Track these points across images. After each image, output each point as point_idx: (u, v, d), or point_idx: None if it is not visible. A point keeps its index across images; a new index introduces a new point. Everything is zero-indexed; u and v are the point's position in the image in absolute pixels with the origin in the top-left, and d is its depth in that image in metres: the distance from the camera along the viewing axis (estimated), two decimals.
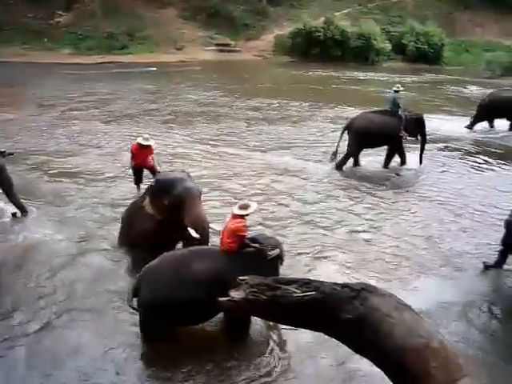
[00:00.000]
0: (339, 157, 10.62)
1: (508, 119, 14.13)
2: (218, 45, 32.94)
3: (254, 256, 5.09)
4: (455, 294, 6.19)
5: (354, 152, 10.68)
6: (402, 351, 2.98)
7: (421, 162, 10.79)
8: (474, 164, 11.40)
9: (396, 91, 10.63)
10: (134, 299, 5.11)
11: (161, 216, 6.17)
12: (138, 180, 7.96)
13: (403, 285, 6.23)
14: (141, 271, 5.20)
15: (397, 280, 6.43)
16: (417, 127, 10.61)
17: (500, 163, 11.47)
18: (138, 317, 5.15)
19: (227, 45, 33.16)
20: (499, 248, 6.72)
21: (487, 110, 13.96)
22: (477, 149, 12.56)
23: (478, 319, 5.75)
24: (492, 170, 11.13)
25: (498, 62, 29.06)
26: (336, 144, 10.51)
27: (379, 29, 33.83)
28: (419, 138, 10.78)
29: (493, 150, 12.56)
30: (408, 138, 10.58)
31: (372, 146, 10.97)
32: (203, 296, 4.74)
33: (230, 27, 34.15)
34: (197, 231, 5.94)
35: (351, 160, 10.82)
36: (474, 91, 22.06)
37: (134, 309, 5.08)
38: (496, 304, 6.08)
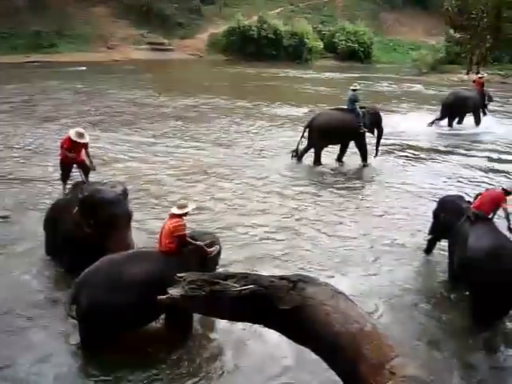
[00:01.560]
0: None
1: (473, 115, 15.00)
2: (150, 44, 32.53)
3: (194, 254, 5.07)
4: (385, 282, 6.41)
5: (319, 148, 10.91)
6: (337, 336, 3.09)
7: (376, 155, 11.19)
8: (406, 158, 11.90)
9: (354, 90, 10.94)
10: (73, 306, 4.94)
11: (88, 229, 5.91)
12: (65, 177, 7.40)
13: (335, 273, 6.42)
14: (78, 277, 5.04)
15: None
16: (373, 122, 10.96)
17: (432, 157, 12.11)
18: (77, 324, 5.00)
19: (161, 44, 32.81)
20: (428, 237, 7.05)
21: (451, 108, 14.74)
22: (409, 144, 13.12)
23: (403, 307, 5.96)
24: (424, 163, 11.67)
25: (423, 60, 30.51)
26: (297, 142, 10.74)
27: (311, 28, 34.63)
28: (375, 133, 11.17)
29: (424, 144, 13.22)
30: (367, 132, 10.92)
31: (333, 143, 11.19)
32: (144, 299, 4.66)
33: (162, 26, 33.79)
34: None
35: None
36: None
37: (72, 317, 4.92)
38: (423, 293, 6.36)
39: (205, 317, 5.19)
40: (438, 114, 14.96)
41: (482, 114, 15.14)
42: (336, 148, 11.31)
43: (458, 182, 10.32)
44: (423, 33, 38.29)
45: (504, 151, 12.80)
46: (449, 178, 10.48)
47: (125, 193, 6.20)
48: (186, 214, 5.18)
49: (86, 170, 7.27)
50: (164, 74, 25.37)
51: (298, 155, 10.91)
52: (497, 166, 11.54)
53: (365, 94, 20.72)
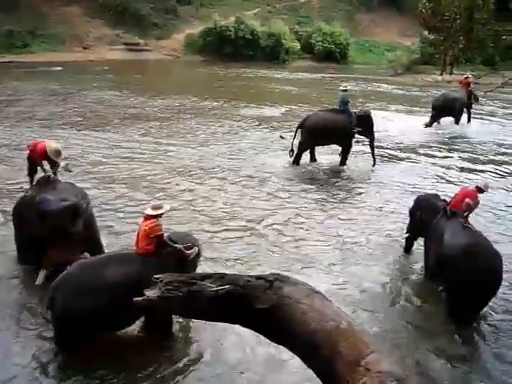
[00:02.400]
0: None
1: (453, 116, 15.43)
2: (126, 44, 32.24)
3: (173, 256, 5.04)
4: (356, 280, 6.50)
5: (303, 148, 10.98)
6: (313, 334, 3.12)
7: (374, 159, 11.14)
8: (381, 157, 12.02)
9: (343, 90, 11.03)
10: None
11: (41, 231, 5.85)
12: (32, 172, 7.26)
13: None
14: (55, 280, 4.97)
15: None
16: (364, 125, 10.96)
17: (408, 156, 12.33)
18: (52, 328, 4.94)
19: (136, 44, 32.55)
20: (405, 235, 7.15)
21: (441, 109, 15.11)
22: (384, 143, 13.27)
23: (369, 309, 6.02)
24: (400, 163, 11.86)
25: (398, 61, 30.93)
26: (291, 141, 10.82)
27: (288, 28, 34.77)
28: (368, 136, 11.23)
29: (401, 144, 13.46)
30: (357, 134, 11.01)
31: (324, 144, 11.29)
32: (122, 302, 4.61)
33: (138, 26, 33.53)
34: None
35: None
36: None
37: (48, 320, 4.86)
38: (396, 291, 6.44)
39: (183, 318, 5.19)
40: (431, 116, 15.25)
41: (467, 117, 15.67)
42: (323, 148, 11.44)
43: (434, 180, 10.53)
44: (398, 34, 38.76)
45: (477, 151, 13.07)
46: (425, 177, 10.67)
47: (76, 206, 5.99)
48: (161, 215, 5.15)
49: (53, 164, 7.06)
50: (140, 75, 25.16)
51: (310, 157, 11.14)
52: (470, 165, 11.77)
53: (334, 93, 21.02)
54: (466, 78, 16.38)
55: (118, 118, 15.27)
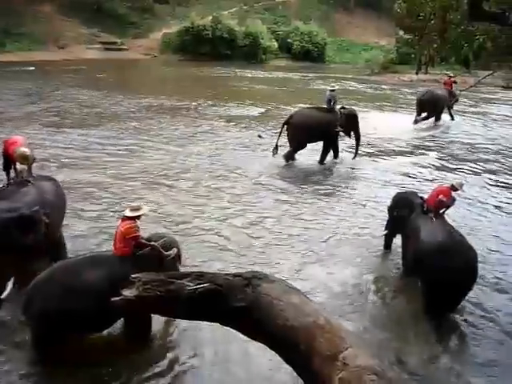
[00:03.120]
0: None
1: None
2: (102, 43, 31.90)
3: (151, 257, 5.01)
4: (340, 277, 6.56)
5: (297, 146, 11.02)
6: (291, 331, 3.15)
7: (355, 157, 11.42)
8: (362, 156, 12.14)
9: (332, 90, 11.15)
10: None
11: None
12: (7, 167, 7.11)
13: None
14: (32, 281, 4.90)
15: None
16: (351, 123, 11.09)
17: (389, 155, 12.50)
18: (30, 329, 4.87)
19: (113, 43, 32.26)
20: (384, 233, 7.23)
21: (427, 105, 15.36)
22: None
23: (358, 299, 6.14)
24: (375, 161, 11.95)
25: (375, 61, 31.29)
26: (276, 139, 10.88)
27: (265, 28, 34.87)
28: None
29: (385, 143, 13.59)
30: (342, 133, 11.15)
31: (309, 141, 11.30)
32: (100, 303, 4.57)
33: (115, 25, 33.23)
34: None
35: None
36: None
37: (27, 321, 4.79)
38: (377, 286, 6.51)
39: (162, 317, 5.16)
40: (417, 113, 15.51)
41: (450, 115, 16.11)
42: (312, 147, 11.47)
43: (412, 178, 10.68)
44: (375, 34, 39.15)
45: (452, 149, 13.28)
46: (402, 175, 10.81)
47: (26, 218, 5.49)
48: (139, 217, 5.11)
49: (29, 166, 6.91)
50: (116, 74, 24.95)
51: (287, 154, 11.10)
52: (446, 163, 11.96)
53: (312, 92, 21.20)
54: (449, 77, 16.66)
55: (94, 117, 15.11)
